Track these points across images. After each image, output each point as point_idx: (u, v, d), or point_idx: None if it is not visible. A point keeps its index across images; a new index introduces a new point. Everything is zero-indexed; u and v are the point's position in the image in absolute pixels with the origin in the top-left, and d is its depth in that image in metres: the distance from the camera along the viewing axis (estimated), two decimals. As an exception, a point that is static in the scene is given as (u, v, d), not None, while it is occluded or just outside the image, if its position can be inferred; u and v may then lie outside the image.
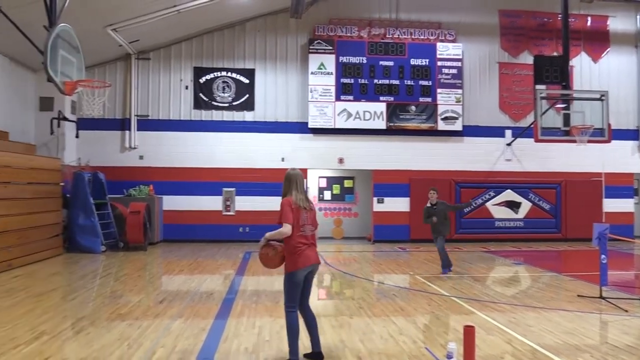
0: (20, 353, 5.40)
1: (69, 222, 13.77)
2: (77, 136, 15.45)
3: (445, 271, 10.60)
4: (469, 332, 4.51)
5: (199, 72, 16.61)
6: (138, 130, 16.37)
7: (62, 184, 13.66)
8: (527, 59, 17.29)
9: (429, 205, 10.72)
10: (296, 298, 5.17)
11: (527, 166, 17.31)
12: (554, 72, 15.20)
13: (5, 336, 5.97)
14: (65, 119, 14.91)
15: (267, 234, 5.19)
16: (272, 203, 16.28)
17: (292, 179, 5.31)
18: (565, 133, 15.23)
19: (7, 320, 6.66)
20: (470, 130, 17.17)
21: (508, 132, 17.35)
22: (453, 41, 17.08)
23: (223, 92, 16.63)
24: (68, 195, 13.89)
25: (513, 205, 17.16)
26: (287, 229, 5.07)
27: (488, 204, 17.09)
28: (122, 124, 16.37)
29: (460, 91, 16.92)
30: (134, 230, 13.94)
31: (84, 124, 15.59)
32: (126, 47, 15.53)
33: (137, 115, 16.38)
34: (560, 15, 16.23)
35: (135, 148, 16.34)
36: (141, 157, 16.33)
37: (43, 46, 8.82)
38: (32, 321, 6.66)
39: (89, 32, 12.93)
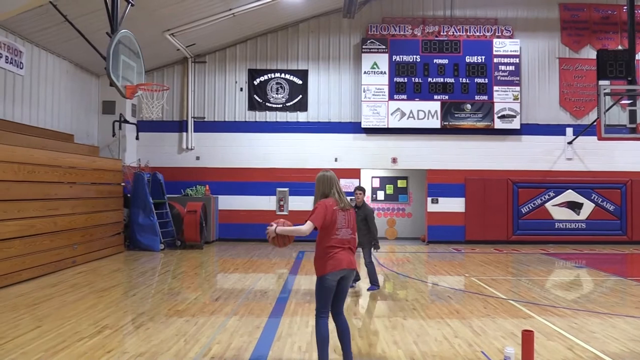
0: (84, 346, 5.63)
1: (130, 221, 14.26)
2: (137, 138, 16.03)
3: (372, 288, 8.97)
4: (527, 336, 4.39)
5: (253, 74, 16.87)
6: (195, 131, 16.80)
7: (123, 184, 14.16)
8: (590, 53, 16.65)
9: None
10: (327, 304, 4.83)
11: (589, 165, 16.63)
12: (618, 66, 14.50)
13: (70, 329, 6.25)
14: (126, 121, 15.51)
15: (279, 229, 4.78)
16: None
17: (332, 180, 4.94)
18: (632, 130, 14.51)
19: (71, 315, 6.96)
20: (529, 129, 16.66)
21: (569, 130, 16.71)
22: (510, 37, 16.62)
23: (277, 94, 16.82)
24: (129, 195, 14.39)
25: (574, 206, 16.50)
26: (307, 228, 4.67)
27: (547, 205, 16.51)
28: (179, 126, 16.84)
29: (517, 88, 16.44)
30: (191, 229, 14.29)
31: (143, 126, 16.18)
32: (183, 51, 15.97)
33: (194, 117, 16.81)
34: (625, 7, 15.51)
35: (192, 149, 16.77)
36: (198, 158, 16.75)
37: (106, 52, 9.16)
38: (95, 316, 6.94)
39: (148, 38, 13.40)
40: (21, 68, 12.15)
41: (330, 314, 4.90)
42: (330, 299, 4.84)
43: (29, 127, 12.23)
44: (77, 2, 10.79)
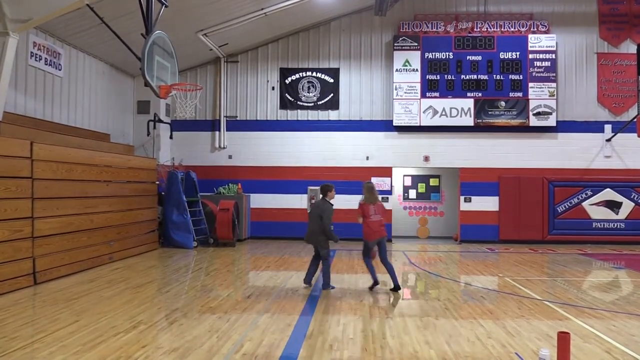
0: (119, 340, 5.76)
1: (164, 218, 14.49)
2: (171, 137, 16.28)
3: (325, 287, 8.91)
4: (563, 338, 4.29)
5: (284, 72, 16.94)
6: (227, 130, 16.97)
7: (157, 182, 14.41)
8: (630, 48, 16.17)
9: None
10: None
11: (629, 163, 16.15)
12: (660, 61, 14.07)
13: (107, 324, 6.39)
14: (160, 121, 15.78)
15: None
16: (356, 201, 16.32)
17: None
18: (674, 127, 14.04)
19: (108, 310, 7.12)
20: (565, 126, 16.27)
21: (607, 127, 16.25)
22: (546, 32, 16.26)
23: (308, 92, 16.85)
24: (163, 193, 14.63)
25: (613, 205, 16.05)
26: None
27: (584, 204, 16.10)
28: (212, 125, 17.04)
29: (554, 85, 16.08)
30: (223, 227, 14.44)
31: (177, 125, 16.44)
32: (216, 51, 16.15)
33: (226, 116, 16.98)
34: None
35: (224, 148, 16.95)
36: (230, 157, 16.92)
37: (140, 53, 9.32)
38: (131, 311, 7.09)
39: (182, 38, 13.59)
40: (60, 70, 12.49)
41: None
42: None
43: (67, 127, 12.57)
44: (113, 4, 11.02)
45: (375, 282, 8.90)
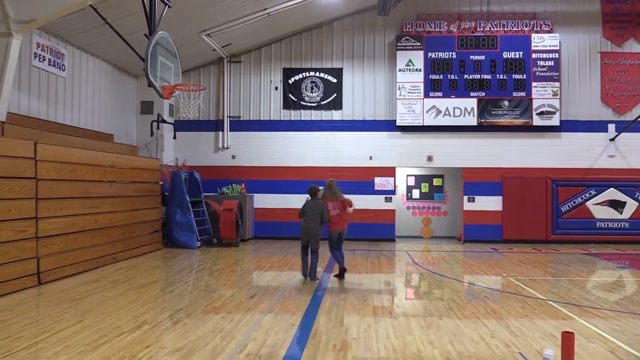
0: (123, 340, 5.77)
1: (167, 218, 14.51)
2: (174, 137, 16.32)
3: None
4: (567, 338, 4.27)
5: (288, 72, 16.94)
6: (230, 130, 16.99)
7: (161, 182, 14.43)
8: (634, 47, 16.16)
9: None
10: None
11: (633, 163, 16.09)
12: (664, 60, 14.02)
13: (111, 324, 6.41)
14: (164, 121, 15.81)
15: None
16: (359, 201, 16.33)
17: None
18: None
19: (112, 310, 7.14)
20: (569, 125, 16.23)
21: (611, 127, 16.21)
22: (549, 32, 16.22)
23: (311, 92, 16.85)
24: (166, 193, 14.65)
25: (617, 205, 16.00)
26: None
27: (588, 203, 16.06)
28: (215, 125, 17.05)
29: (557, 84, 16.04)
30: (227, 227, 14.45)
31: (180, 125, 16.48)
32: (219, 51, 16.16)
33: (230, 117, 17.00)
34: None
35: (227, 148, 16.96)
36: (233, 157, 16.93)
37: (144, 53, 9.34)
38: (135, 311, 7.10)
39: (185, 39, 13.61)
40: (63, 70, 12.52)
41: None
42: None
43: (71, 127, 12.60)
44: (116, 4, 11.04)
45: (343, 270, 9.89)
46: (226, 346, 5.63)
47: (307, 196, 10.06)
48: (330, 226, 9.85)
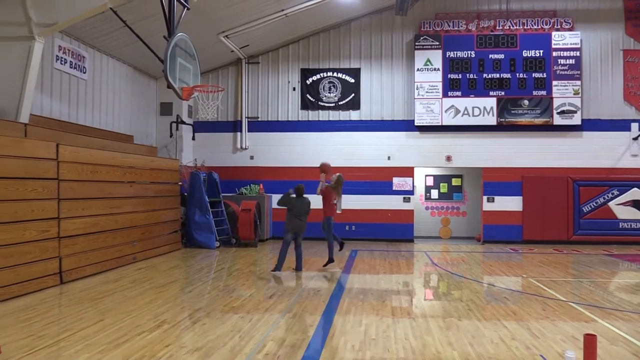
0: (144, 339, 5.82)
1: (186, 219, 14.62)
2: (193, 138, 16.44)
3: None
4: (590, 341, 4.20)
5: (305, 73, 16.96)
6: (249, 131, 17.06)
7: (180, 183, 14.54)
8: (657, 44, 15.85)
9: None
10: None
11: (657, 162, 15.82)
12: (689, 57, 13.74)
13: (131, 323, 6.47)
14: (183, 122, 15.94)
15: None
16: (378, 201, 16.33)
17: None
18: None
19: (132, 309, 7.21)
20: (590, 124, 15.99)
21: (634, 126, 15.92)
22: (570, 29, 15.99)
23: (329, 92, 16.85)
24: (185, 194, 14.76)
25: (641, 205, 15.74)
26: None
27: (611, 204, 15.78)
28: (234, 126, 17.14)
29: (578, 83, 15.81)
30: (245, 227, 14.51)
31: (199, 126, 16.60)
32: (237, 53, 16.25)
33: (248, 117, 17.07)
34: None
35: (246, 149, 17.04)
36: (252, 157, 17.00)
37: (163, 55, 9.42)
38: (155, 310, 7.16)
39: (203, 40, 13.70)
40: (84, 72, 12.69)
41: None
42: None
43: (92, 128, 12.76)
44: (135, 7, 11.16)
45: (331, 260, 11.38)
46: (245, 346, 5.65)
47: (291, 192, 10.81)
48: (331, 212, 11.71)
